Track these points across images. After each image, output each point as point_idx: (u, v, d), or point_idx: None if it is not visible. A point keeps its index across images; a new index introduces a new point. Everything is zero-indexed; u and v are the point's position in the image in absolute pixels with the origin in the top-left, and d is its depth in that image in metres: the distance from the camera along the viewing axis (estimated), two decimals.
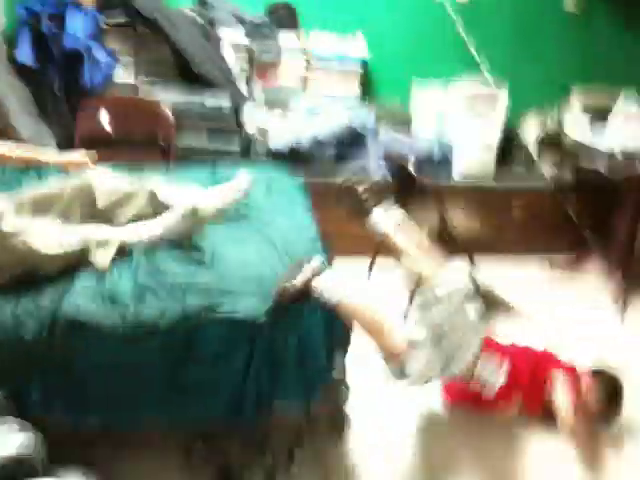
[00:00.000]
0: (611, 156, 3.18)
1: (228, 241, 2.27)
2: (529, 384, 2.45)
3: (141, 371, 1.92)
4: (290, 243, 2.29)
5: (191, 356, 1.92)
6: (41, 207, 2.18)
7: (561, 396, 2.42)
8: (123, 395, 1.94)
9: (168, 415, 1.98)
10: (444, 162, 3.68)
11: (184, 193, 2.32)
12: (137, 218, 2.25)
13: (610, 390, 2.47)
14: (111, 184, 2.29)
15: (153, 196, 2.28)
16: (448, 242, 3.06)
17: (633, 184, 3.16)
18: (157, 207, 2.26)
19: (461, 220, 3.25)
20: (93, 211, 2.23)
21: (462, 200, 3.48)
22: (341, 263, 2.58)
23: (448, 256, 3.26)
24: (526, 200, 3.65)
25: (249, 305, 1.93)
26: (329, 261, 2.77)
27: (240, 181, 2.39)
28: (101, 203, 2.23)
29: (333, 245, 3.01)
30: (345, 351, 2.19)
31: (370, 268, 3.42)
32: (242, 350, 1.93)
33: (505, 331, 2.70)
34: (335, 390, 2.16)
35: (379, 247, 3.30)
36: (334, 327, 2.05)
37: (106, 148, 3.24)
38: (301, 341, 1.97)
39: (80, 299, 1.92)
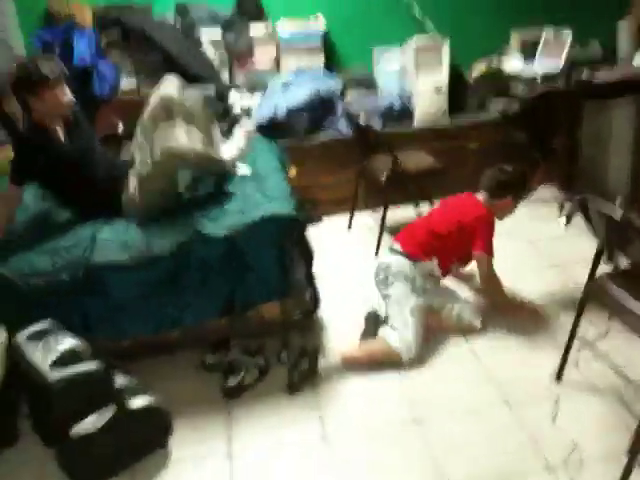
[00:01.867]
0: (532, 80, 3.70)
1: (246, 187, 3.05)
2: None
3: (156, 290, 2.62)
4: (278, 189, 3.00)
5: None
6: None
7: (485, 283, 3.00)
8: (143, 312, 2.64)
9: (182, 321, 2.69)
10: (406, 112, 4.22)
11: None
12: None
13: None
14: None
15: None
16: (400, 181, 3.65)
17: (547, 99, 3.68)
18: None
19: (417, 160, 3.74)
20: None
21: (420, 143, 4.05)
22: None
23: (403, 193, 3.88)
24: (478, 134, 4.21)
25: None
26: (311, 206, 3.48)
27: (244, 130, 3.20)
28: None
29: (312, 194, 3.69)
30: (310, 264, 2.86)
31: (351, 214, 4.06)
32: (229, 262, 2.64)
33: None
34: (304, 294, 2.83)
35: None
36: (290, 243, 2.72)
37: (120, 145, 3.98)
38: (269, 251, 2.66)
39: (104, 249, 2.64)
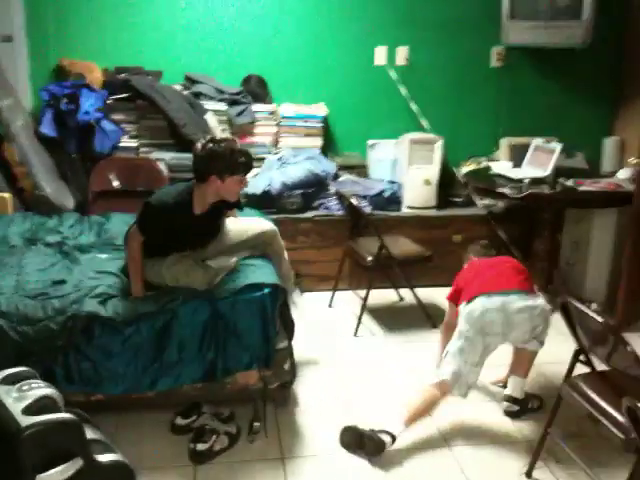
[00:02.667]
0: (518, 181, 3.86)
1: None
2: None
3: (139, 350, 2.61)
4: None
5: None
6: None
7: None
8: (126, 370, 2.62)
9: (160, 384, 2.66)
10: (395, 200, 4.37)
11: None
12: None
13: None
14: None
15: None
16: (385, 265, 3.73)
17: (533, 200, 3.83)
18: None
19: (403, 246, 3.85)
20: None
21: (407, 230, 4.16)
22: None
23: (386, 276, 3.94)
24: (463, 226, 4.35)
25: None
26: (296, 279, 3.52)
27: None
28: None
29: (298, 269, 3.74)
30: (291, 334, 2.88)
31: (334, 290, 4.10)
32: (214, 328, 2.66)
33: None
34: (283, 365, 2.82)
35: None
36: (274, 313, 2.73)
37: (114, 200, 4.05)
38: (254, 319, 2.68)
39: (92, 301, 2.64)
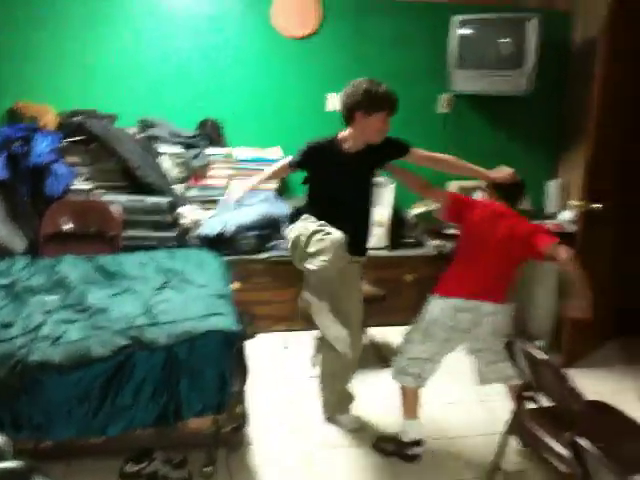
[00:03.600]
0: None
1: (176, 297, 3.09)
2: None
3: (90, 394, 2.58)
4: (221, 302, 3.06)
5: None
6: None
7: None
8: (76, 415, 2.57)
9: (110, 429, 2.62)
10: None
11: None
12: None
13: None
14: None
15: None
16: None
17: None
18: None
19: None
20: None
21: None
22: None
23: None
24: (414, 266, 4.44)
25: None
26: (250, 320, 3.53)
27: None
28: None
29: (253, 310, 3.76)
30: (245, 378, 2.88)
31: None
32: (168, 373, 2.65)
33: None
34: (236, 410, 2.83)
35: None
36: (230, 358, 2.74)
37: (65, 243, 4.01)
38: (209, 364, 2.67)
39: (41, 348, 2.61)
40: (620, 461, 1.84)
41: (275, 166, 3.36)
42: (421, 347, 2.93)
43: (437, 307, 2.92)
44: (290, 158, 3.21)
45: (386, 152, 3.07)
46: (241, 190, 3.34)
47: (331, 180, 3.02)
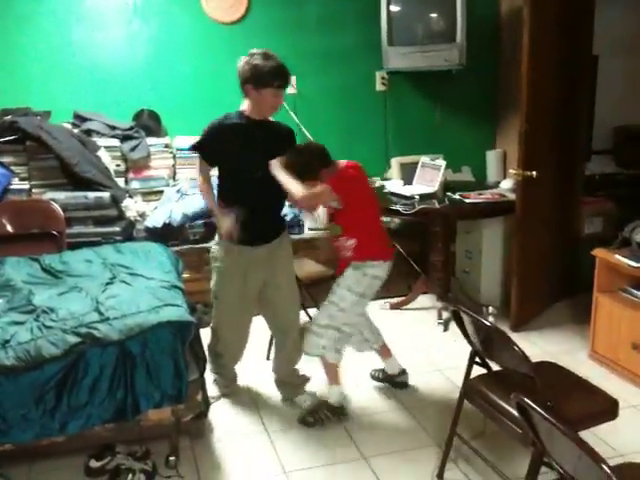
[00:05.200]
0: (410, 198, 4.07)
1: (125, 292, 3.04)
2: None
3: (46, 394, 2.55)
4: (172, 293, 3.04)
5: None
6: None
7: None
8: (33, 416, 2.53)
9: (68, 428, 2.60)
10: (296, 221, 4.46)
11: None
12: None
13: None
14: None
15: None
16: None
17: (424, 215, 4.04)
18: None
19: (308, 268, 3.92)
20: None
21: (310, 251, 4.28)
22: None
23: None
24: None
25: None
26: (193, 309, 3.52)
27: None
28: None
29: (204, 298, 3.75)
30: (203, 367, 2.89)
31: None
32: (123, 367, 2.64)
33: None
34: (195, 397, 2.84)
35: None
36: (184, 348, 2.74)
37: (7, 244, 3.92)
38: (164, 356, 2.68)
39: None
40: (567, 419, 1.92)
41: (197, 168, 3.29)
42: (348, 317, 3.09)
43: (383, 272, 3.07)
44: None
45: (281, 145, 3.02)
46: (226, 222, 3.05)
47: (234, 151, 3.00)
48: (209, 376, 3.23)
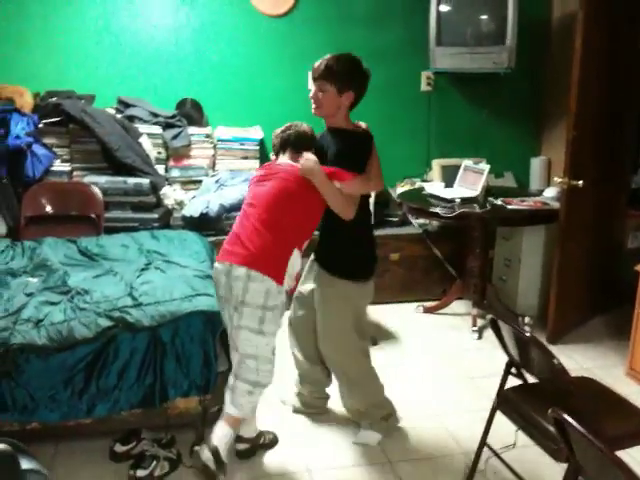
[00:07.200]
0: (450, 201, 3.99)
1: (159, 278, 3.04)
2: None
3: (75, 376, 2.56)
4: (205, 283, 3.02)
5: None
6: None
7: None
8: (62, 397, 2.55)
9: (96, 411, 2.61)
10: None
11: None
12: None
13: None
14: None
15: None
16: None
17: (464, 219, 3.92)
18: None
19: None
20: None
21: None
22: None
23: None
24: (399, 245, 4.44)
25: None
26: None
27: None
28: None
29: None
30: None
31: None
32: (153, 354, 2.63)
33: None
34: (223, 389, 2.80)
35: None
36: (215, 338, 2.72)
37: (46, 225, 3.97)
38: (194, 345, 2.67)
39: (24, 330, 2.58)
40: (604, 437, 1.85)
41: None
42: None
43: None
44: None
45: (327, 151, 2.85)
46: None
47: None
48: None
